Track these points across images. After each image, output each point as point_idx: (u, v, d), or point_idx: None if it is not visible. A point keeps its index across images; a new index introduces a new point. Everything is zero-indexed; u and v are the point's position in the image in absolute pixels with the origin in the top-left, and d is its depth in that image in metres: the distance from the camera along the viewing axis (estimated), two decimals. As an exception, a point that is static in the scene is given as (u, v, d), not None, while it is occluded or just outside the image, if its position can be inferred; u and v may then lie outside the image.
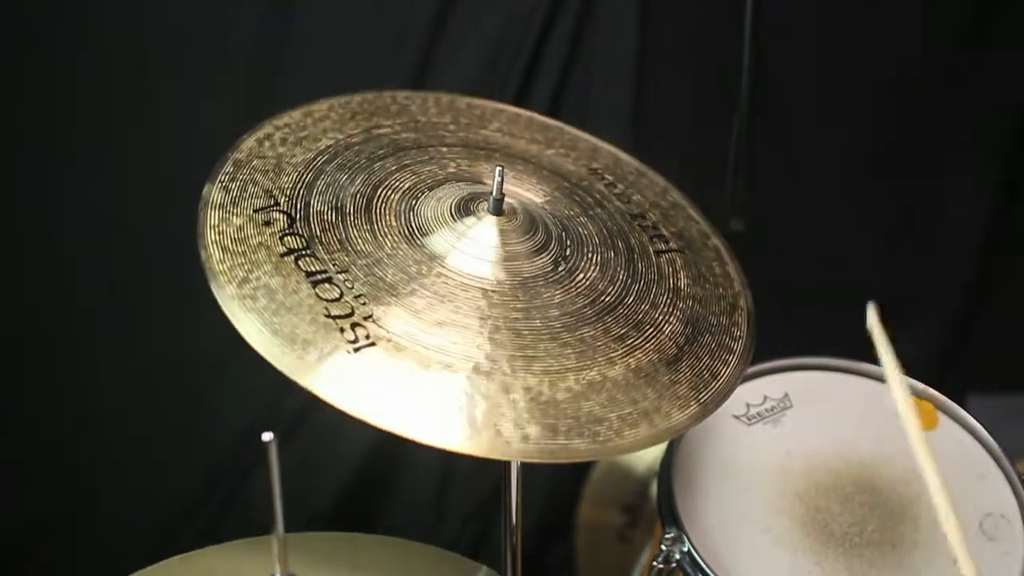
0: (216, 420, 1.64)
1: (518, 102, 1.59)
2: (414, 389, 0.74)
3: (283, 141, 0.91)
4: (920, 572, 0.97)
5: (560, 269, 0.86)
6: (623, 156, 1.07)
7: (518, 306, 0.81)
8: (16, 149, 1.54)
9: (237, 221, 0.82)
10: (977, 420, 1.09)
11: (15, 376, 1.60)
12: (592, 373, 0.78)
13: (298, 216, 0.84)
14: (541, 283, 0.84)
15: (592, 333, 0.81)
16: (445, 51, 1.57)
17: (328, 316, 0.76)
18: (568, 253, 0.88)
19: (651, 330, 0.84)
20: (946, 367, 1.77)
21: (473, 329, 0.78)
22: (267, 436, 0.69)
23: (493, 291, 0.82)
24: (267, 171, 0.87)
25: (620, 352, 0.81)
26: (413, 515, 1.70)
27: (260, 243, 0.81)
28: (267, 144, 0.91)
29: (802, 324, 1.42)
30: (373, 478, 1.67)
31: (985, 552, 0.99)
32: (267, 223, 0.82)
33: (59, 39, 1.49)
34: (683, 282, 0.90)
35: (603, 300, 0.85)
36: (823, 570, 0.97)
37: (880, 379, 1.14)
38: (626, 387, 0.78)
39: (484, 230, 0.86)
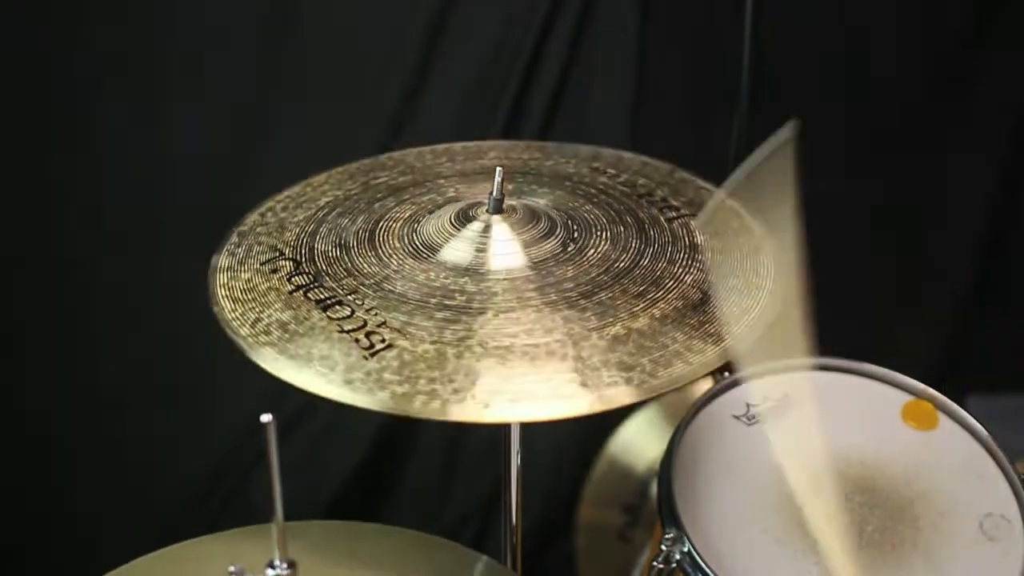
0: (216, 418, 1.64)
1: (518, 102, 1.59)
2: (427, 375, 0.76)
3: (284, 208, 0.97)
4: (920, 572, 0.97)
5: (570, 249, 0.88)
6: (626, 155, 1.08)
7: (530, 287, 0.84)
8: (16, 148, 1.54)
9: (245, 275, 0.87)
10: (977, 420, 1.09)
11: (15, 375, 1.60)
12: (616, 328, 0.80)
13: (303, 259, 0.89)
14: (552, 264, 0.86)
15: (610, 296, 0.84)
16: (445, 51, 1.57)
17: (342, 332, 0.79)
18: (576, 236, 0.90)
19: (671, 283, 0.86)
20: (946, 367, 1.77)
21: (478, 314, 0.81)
22: (265, 418, 0.69)
23: (498, 276, 0.84)
24: (270, 233, 0.93)
25: (642, 306, 0.83)
26: (413, 515, 1.70)
27: (269, 287, 0.86)
28: (269, 215, 0.96)
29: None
30: (373, 478, 1.67)
31: (985, 552, 0.99)
32: (274, 271, 0.87)
33: (58, 38, 1.49)
34: (700, 238, 0.93)
35: (617, 266, 0.87)
36: (823, 570, 0.97)
37: (880, 379, 1.14)
38: (653, 335, 0.80)
39: (482, 227, 0.88)
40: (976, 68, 1.69)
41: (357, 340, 0.78)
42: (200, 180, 1.58)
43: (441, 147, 1.08)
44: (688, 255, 0.90)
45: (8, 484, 1.60)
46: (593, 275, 0.86)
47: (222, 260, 0.90)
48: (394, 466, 1.69)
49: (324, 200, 0.97)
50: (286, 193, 1.00)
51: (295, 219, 0.94)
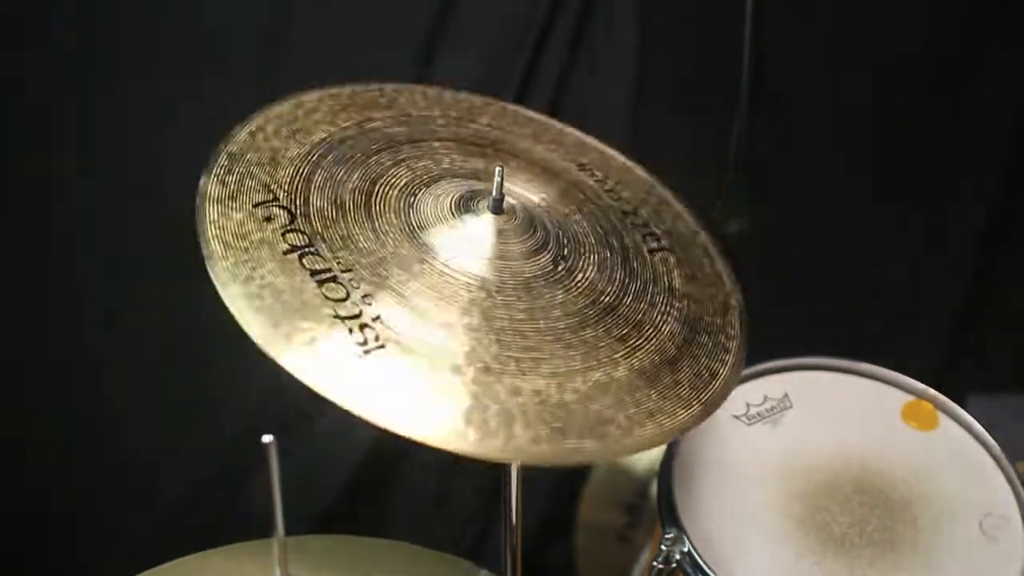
0: (217, 418, 1.64)
1: (518, 101, 1.59)
2: (423, 391, 0.74)
3: (276, 133, 0.90)
4: (920, 572, 0.97)
5: (560, 269, 0.86)
6: (608, 151, 1.07)
7: (521, 307, 0.81)
8: (16, 147, 1.54)
9: (237, 216, 0.81)
10: (977, 420, 1.09)
11: (14, 377, 1.60)
12: (598, 374, 0.78)
13: (298, 212, 0.83)
14: (542, 283, 0.84)
15: (595, 334, 0.81)
16: (445, 51, 1.57)
17: (336, 317, 0.75)
18: (566, 252, 0.88)
19: (651, 330, 0.84)
20: (946, 367, 1.77)
21: (481, 330, 0.78)
22: (267, 438, 0.69)
23: (496, 291, 0.82)
24: (263, 164, 0.86)
25: (623, 353, 0.81)
26: (413, 515, 1.70)
27: (262, 239, 0.80)
28: (260, 136, 0.90)
29: (802, 324, 1.42)
30: (373, 477, 1.67)
31: (985, 552, 0.99)
32: (268, 219, 0.81)
33: (57, 37, 1.49)
34: (677, 281, 0.91)
35: (603, 300, 0.85)
36: (823, 570, 0.97)
37: (880, 379, 1.14)
38: (630, 388, 0.78)
39: (483, 228, 0.86)
40: (976, 68, 1.69)
41: (351, 331, 0.74)
42: (198, 178, 1.57)
43: (432, 92, 1.03)
44: (667, 298, 0.88)
45: (8, 484, 1.60)
46: (580, 306, 0.83)
47: (212, 187, 0.83)
48: (394, 466, 1.69)
49: (318, 136, 0.91)
50: (276, 110, 0.93)
51: (288, 154, 0.88)
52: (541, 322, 0.80)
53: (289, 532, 0.76)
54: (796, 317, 1.40)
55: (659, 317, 0.86)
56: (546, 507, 1.66)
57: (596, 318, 0.83)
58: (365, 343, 0.74)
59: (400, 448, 1.68)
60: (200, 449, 1.64)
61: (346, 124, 0.94)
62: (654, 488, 1.28)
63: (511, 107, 1.08)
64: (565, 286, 0.84)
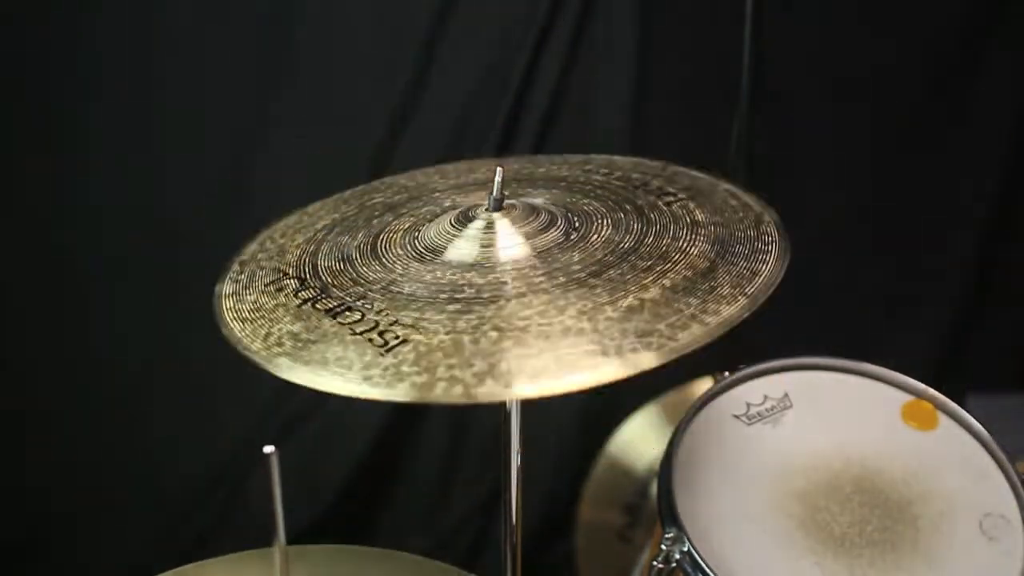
0: (218, 418, 1.64)
1: (518, 102, 1.59)
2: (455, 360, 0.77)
3: (282, 235, 0.97)
4: (920, 572, 0.97)
5: (572, 237, 0.89)
6: (617, 158, 1.09)
7: (537, 275, 0.84)
8: (17, 149, 1.55)
9: (250, 298, 0.88)
10: (977, 420, 1.09)
11: (16, 379, 1.60)
12: (628, 300, 0.81)
13: (308, 276, 0.89)
14: (556, 251, 0.87)
15: (620, 272, 0.85)
16: (445, 51, 1.57)
17: (354, 334, 0.80)
18: (577, 225, 0.91)
19: (678, 255, 0.87)
20: (946, 367, 1.77)
21: (496, 302, 0.82)
22: (268, 449, 0.70)
23: (499, 268, 0.85)
24: (271, 257, 0.94)
25: (652, 278, 0.84)
26: (413, 515, 1.71)
27: (277, 304, 0.86)
28: (268, 243, 0.97)
29: (802, 324, 1.42)
30: (373, 477, 1.67)
31: (985, 552, 0.99)
32: (279, 290, 0.88)
33: (58, 41, 1.49)
34: (700, 216, 0.94)
35: (622, 247, 0.88)
36: (823, 570, 0.97)
37: (880, 379, 1.14)
38: (666, 303, 0.81)
39: (482, 223, 0.89)
40: (976, 68, 1.69)
41: (371, 340, 0.79)
42: (200, 184, 1.58)
43: (432, 169, 1.10)
44: (691, 230, 0.91)
45: (8, 484, 1.60)
46: (599, 256, 0.87)
47: (225, 287, 0.90)
48: (394, 467, 1.69)
49: (322, 223, 0.98)
50: (283, 222, 1.00)
51: (295, 243, 0.95)
52: (561, 277, 0.84)
53: (289, 532, 0.77)
54: (796, 317, 1.39)
55: (685, 244, 0.89)
56: (546, 507, 1.66)
57: (618, 261, 0.86)
58: (386, 344, 0.78)
59: (400, 449, 1.68)
60: (201, 449, 1.64)
61: (348, 209, 1.01)
62: (654, 488, 1.28)
63: (512, 159, 1.13)
64: (581, 247, 0.88)
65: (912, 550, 0.98)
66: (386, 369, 0.76)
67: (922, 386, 1.12)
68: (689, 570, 0.95)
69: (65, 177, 1.56)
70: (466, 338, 0.78)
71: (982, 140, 1.74)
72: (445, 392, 0.74)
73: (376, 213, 0.98)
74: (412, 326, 0.80)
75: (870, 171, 1.74)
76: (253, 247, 0.97)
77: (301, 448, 1.63)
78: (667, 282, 0.84)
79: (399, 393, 0.74)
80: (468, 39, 1.57)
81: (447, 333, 0.79)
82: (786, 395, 1.12)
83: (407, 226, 0.94)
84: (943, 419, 1.11)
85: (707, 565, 0.94)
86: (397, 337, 0.79)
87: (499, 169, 0.88)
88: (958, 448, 1.08)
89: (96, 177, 1.57)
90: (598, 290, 0.82)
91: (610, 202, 0.96)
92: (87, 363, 1.62)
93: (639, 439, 1.56)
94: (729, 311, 0.82)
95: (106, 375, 1.62)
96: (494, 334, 0.78)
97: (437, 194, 1.01)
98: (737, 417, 1.10)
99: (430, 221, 0.93)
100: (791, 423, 1.10)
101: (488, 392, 0.74)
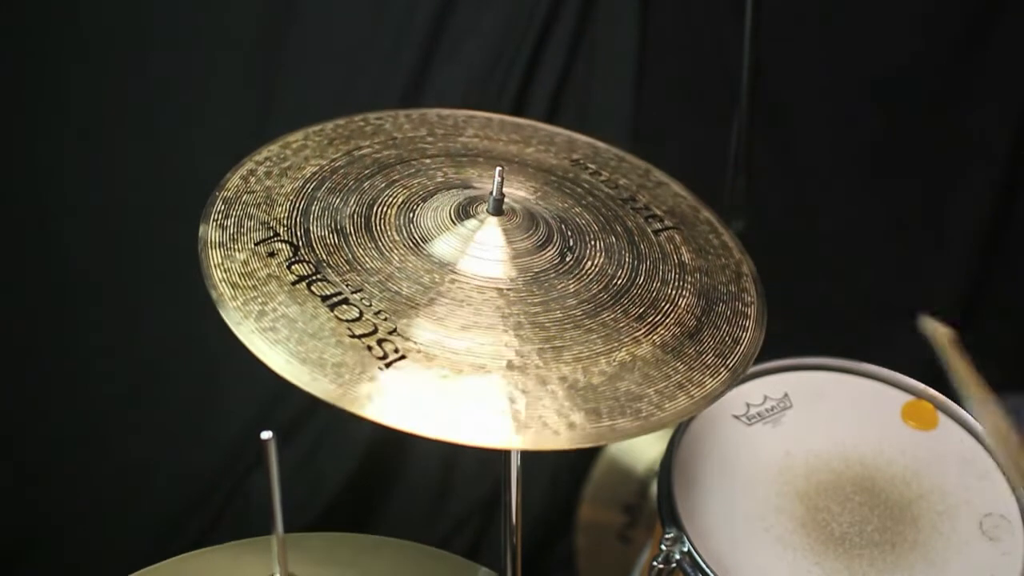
0: (216, 419, 1.64)
1: (518, 102, 1.59)
2: (454, 395, 0.75)
3: (268, 174, 0.92)
4: (920, 572, 0.97)
5: (568, 259, 0.87)
6: (600, 145, 1.07)
7: (536, 300, 0.83)
8: (17, 149, 1.54)
9: (240, 256, 0.83)
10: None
11: (15, 376, 1.60)
12: (621, 354, 0.79)
13: (301, 243, 0.84)
14: (552, 275, 0.85)
15: (612, 316, 0.83)
16: (445, 51, 1.57)
17: (352, 336, 0.76)
18: (572, 244, 0.89)
19: (667, 306, 0.86)
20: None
21: (498, 328, 0.79)
22: (266, 435, 0.69)
23: (509, 289, 0.83)
24: (259, 204, 0.88)
25: (643, 330, 0.82)
26: (413, 515, 1.70)
27: (269, 275, 0.81)
28: (252, 179, 0.92)
29: (802, 324, 1.42)
30: (373, 478, 1.67)
31: (985, 552, 0.99)
32: (271, 254, 0.83)
33: (58, 38, 1.49)
34: (686, 257, 0.92)
35: (616, 284, 0.86)
36: (823, 570, 0.97)
37: (880, 379, 1.14)
38: (656, 363, 0.80)
39: (489, 231, 0.86)
40: (976, 68, 1.69)
41: (370, 348, 0.76)
42: (199, 181, 1.57)
43: (416, 114, 1.05)
44: (678, 275, 0.89)
45: (8, 484, 1.60)
46: (593, 292, 0.84)
47: (212, 233, 0.84)
48: (394, 467, 1.69)
49: (309, 170, 0.93)
50: (264, 154, 0.95)
51: (282, 191, 0.90)
52: (558, 312, 0.82)
53: (289, 527, 0.77)
54: (796, 317, 1.39)
55: (674, 292, 0.87)
56: (546, 507, 1.66)
57: (611, 301, 0.84)
58: (385, 356, 0.75)
59: (400, 449, 1.68)
60: (200, 448, 1.64)
61: (335, 156, 0.96)
62: (654, 488, 1.28)
63: (496, 117, 1.09)
64: (576, 276, 0.86)
65: (912, 550, 0.99)
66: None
67: (922, 386, 1.13)
68: (689, 570, 0.95)
69: (62, 175, 1.56)
70: (471, 367, 0.76)
71: (981, 140, 1.74)
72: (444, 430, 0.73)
73: (366, 171, 0.94)
74: (410, 340, 0.77)
75: (869, 171, 1.74)
76: (235, 181, 0.91)
77: (300, 447, 1.63)
78: (657, 339, 0.82)
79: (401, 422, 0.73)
80: (468, 39, 1.57)
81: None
82: (786, 395, 1.12)
83: (400, 200, 0.90)
84: (943, 419, 1.11)
85: (707, 565, 0.94)
86: (396, 351, 0.76)
87: (499, 169, 0.87)
88: (958, 448, 1.08)
89: (95, 176, 1.57)
90: (593, 336, 0.81)
91: (601, 217, 0.94)
92: (86, 362, 1.62)
93: (639, 439, 1.56)
94: (712, 385, 0.80)
95: (106, 375, 1.62)
96: (496, 370, 0.76)
97: (427, 160, 0.97)
98: (737, 417, 1.10)
99: (424, 201, 0.90)
100: (791, 423, 1.10)
101: (484, 439, 0.73)
